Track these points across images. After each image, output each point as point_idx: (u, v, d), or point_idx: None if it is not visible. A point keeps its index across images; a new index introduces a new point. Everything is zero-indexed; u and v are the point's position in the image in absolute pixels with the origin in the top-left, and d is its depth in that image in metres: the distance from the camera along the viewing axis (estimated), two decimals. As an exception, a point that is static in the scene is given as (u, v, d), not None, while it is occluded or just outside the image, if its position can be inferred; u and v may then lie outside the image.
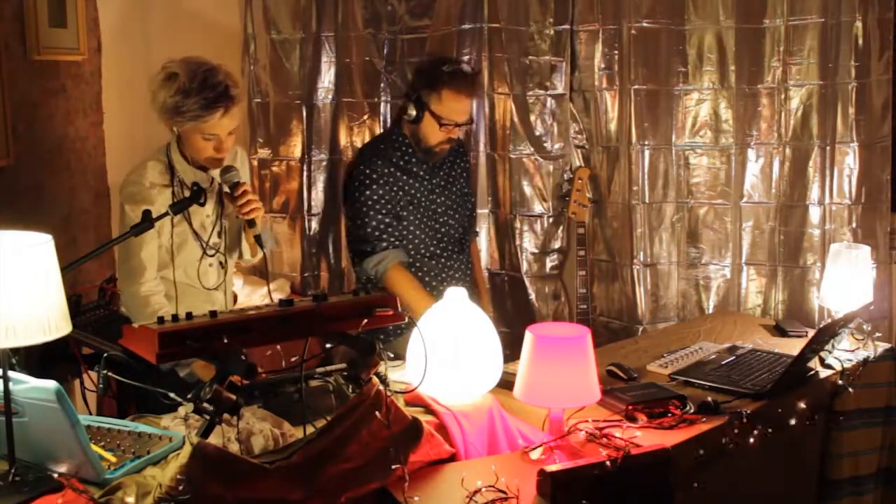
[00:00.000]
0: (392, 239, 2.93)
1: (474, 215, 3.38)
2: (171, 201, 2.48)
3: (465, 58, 3.66)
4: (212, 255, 2.62)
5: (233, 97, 2.43)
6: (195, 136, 2.46)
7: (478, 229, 3.56)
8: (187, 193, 2.53)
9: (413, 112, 2.90)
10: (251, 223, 2.53)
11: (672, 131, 3.62)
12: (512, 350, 2.54)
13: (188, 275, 2.59)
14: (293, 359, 2.07)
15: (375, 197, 2.91)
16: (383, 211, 2.91)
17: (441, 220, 3.05)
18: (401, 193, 2.95)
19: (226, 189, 2.55)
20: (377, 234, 2.91)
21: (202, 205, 2.52)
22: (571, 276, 3.59)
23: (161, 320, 1.95)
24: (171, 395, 1.95)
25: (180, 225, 2.53)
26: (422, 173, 3.01)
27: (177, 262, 2.54)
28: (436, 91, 2.86)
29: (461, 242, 3.15)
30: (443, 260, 3.06)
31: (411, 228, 2.98)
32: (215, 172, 2.57)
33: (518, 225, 3.82)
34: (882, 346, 2.88)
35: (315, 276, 4.00)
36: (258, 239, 2.54)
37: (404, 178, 2.96)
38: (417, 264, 3.00)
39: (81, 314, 2.75)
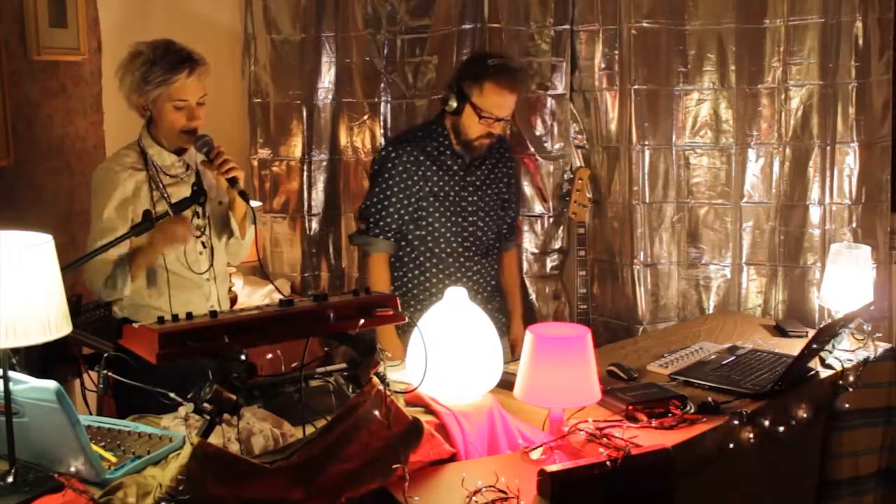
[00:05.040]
0: (387, 230, 2.97)
1: (514, 224, 3.29)
2: (145, 184, 2.50)
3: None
4: (196, 237, 2.60)
5: (196, 59, 2.49)
6: (166, 107, 2.48)
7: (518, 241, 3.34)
8: (162, 177, 2.53)
9: (454, 103, 2.89)
10: (233, 182, 2.50)
11: (672, 131, 3.61)
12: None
13: (178, 258, 2.57)
14: (293, 364, 2.07)
15: (391, 182, 2.94)
16: (393, 199, 2.94)
17: (470, 219, 3.02)
18: (421, 183, 2.95)
19: (201, 157, 2.54)
20: (376, 217, 2.96)
21: (202, 204, 2.53)
22: (571, 276, 3.58)
23: (161, 320, 1.94)
24: (171, 395, 1.95)
25: (160, 203, 2.52)
26: (455, 167, 2.99)
27: None
28: (478, 83, 2.84)
29: (488, 247, 3.09)
30: (464, 261, 3.02)
31: (433, 223, 2.97)
32: (189, 157, 2.58)
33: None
34: (882, 346, 2.88)
35: (315, 276, 4.00)
36: (243, 195, 2.52)
37: (433, 168, 2.95)
38: (434, 260, 2.99)
39: (81, 314, 2.75)
